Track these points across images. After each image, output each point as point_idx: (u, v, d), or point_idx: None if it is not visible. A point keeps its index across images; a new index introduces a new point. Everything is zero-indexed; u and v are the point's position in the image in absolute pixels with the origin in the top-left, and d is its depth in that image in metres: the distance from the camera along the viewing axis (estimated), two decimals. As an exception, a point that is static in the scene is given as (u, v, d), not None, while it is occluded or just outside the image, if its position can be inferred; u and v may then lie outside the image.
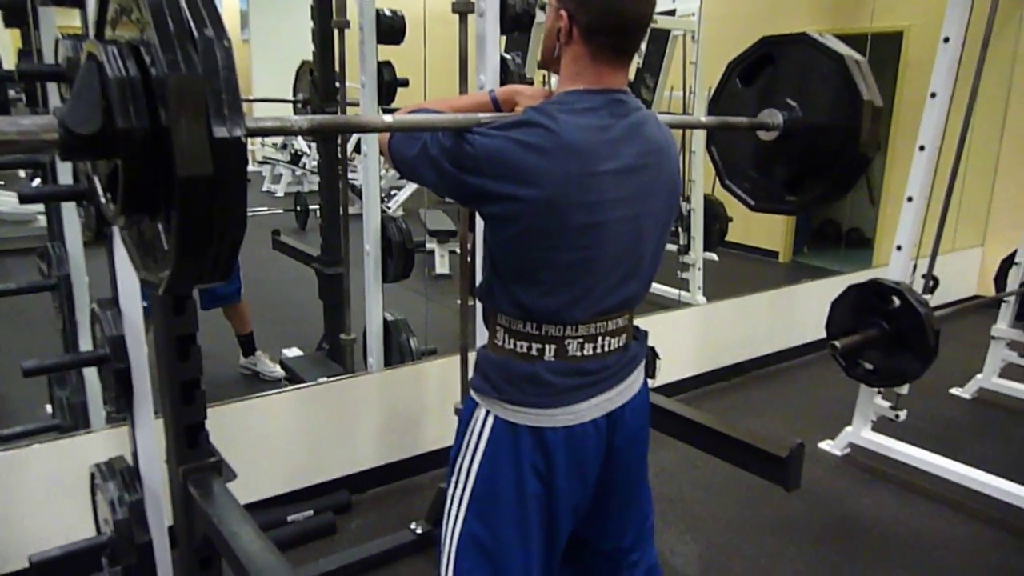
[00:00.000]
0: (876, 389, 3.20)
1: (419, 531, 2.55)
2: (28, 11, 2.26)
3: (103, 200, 0.93)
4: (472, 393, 1.42)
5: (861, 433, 3.29)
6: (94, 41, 0.85)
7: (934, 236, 3.18)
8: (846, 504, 2.99)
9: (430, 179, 1.29)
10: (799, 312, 4.42)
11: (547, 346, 1.33)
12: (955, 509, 2.91)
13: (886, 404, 3.21)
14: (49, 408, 3.03)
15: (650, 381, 1.53)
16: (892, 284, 2.82)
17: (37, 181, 2.77)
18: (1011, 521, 2.80)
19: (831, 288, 3.11)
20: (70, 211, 2.45)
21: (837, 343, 2.78)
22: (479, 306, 2.25)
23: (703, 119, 1.73)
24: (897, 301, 2.78)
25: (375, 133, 1.18)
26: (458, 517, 1.41)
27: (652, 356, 1.47)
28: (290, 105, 3.82)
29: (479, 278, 1.96)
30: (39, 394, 3.11)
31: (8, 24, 2.37)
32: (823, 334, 2.95)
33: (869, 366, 2.88)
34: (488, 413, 1.38)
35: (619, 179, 1.26)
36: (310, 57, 3.50)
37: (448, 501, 1.43)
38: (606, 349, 1.36)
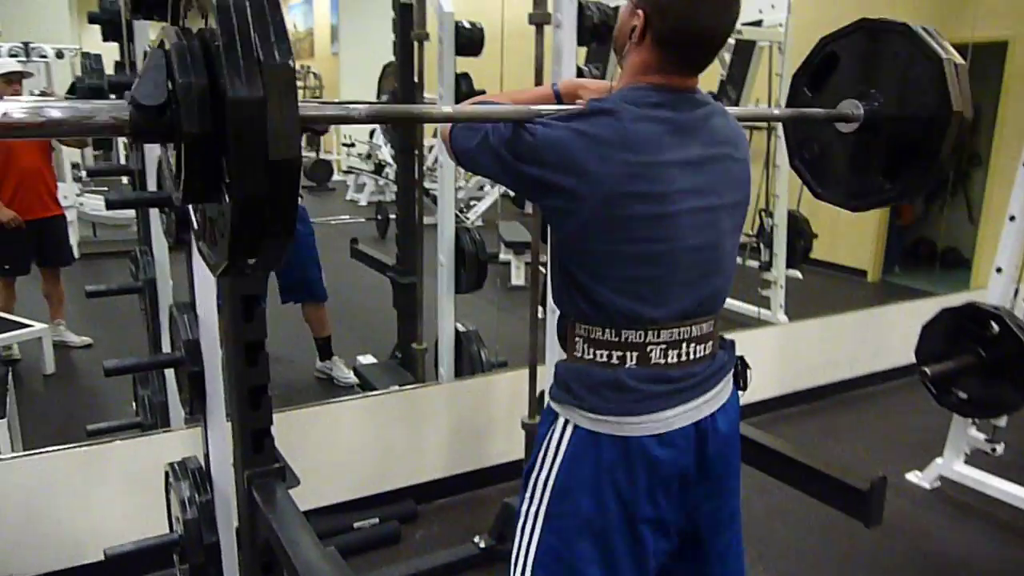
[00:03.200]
0: (970, 420, 3.01)
1: (483, 545, 2.53)
2: (123, 26, 2.36)
3: (172, 188, 0.94)
4: (550, 403, 1.35)
5: (953, 466, 3.10)
6: (168, 30, 0.88)
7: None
8: (934, 541, 2.82)
9: (490, 169, 1.27)
10: (887, 335, 4.21)
11: (628, 353, 1.26)
12: (1057, 553, 2.71)
13: (981, 436, 3.01)
14: (133, 405, 3.16)
15: (739, 394, 1.45)
16: (991, 308, 2.65)
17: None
18: (1121, 570, 2.58)
19: (924, 310, 2.95)
20: (157, 218, 2.54)
21: (928, 369, 2.62)
22: (552, 318, 2.22)
23: (776, 111, 1.65)
24: (996, 327, 2.61)
25: (435, 123, 1.16)
26: (534, 532, 1.33)
27: (742, 366, 1.38)
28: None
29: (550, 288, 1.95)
30: (126, 390, 3.24)
31: (106, 38, 2.48)
32: (912, 358, 2.80)
33: (963, 395, 2.71)
34: (567, 423, 1.30)
35: (687, 170, 1.22)
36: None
37: (522, 517, 1.36)
38: (691, 356, 1.29)
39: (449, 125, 1.32)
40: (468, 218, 6.66)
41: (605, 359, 1.27)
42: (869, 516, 1.70)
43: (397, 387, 3.00)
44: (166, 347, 2.58)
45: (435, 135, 3.56)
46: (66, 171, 5.89)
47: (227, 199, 0.85)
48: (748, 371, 1.40)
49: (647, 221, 1.20)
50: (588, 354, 1.28)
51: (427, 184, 3.99)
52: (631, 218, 1.19)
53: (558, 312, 1.35)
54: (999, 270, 2.86)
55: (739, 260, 5.13)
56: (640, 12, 1.20)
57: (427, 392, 3.00)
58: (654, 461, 1.26)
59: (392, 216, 5.84)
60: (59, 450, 2.33)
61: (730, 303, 4.75)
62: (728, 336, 1.41)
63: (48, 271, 4.23)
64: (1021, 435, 3.28)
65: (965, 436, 3.05)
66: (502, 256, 5.80)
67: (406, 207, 3.64)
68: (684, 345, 1.28)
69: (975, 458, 3.08)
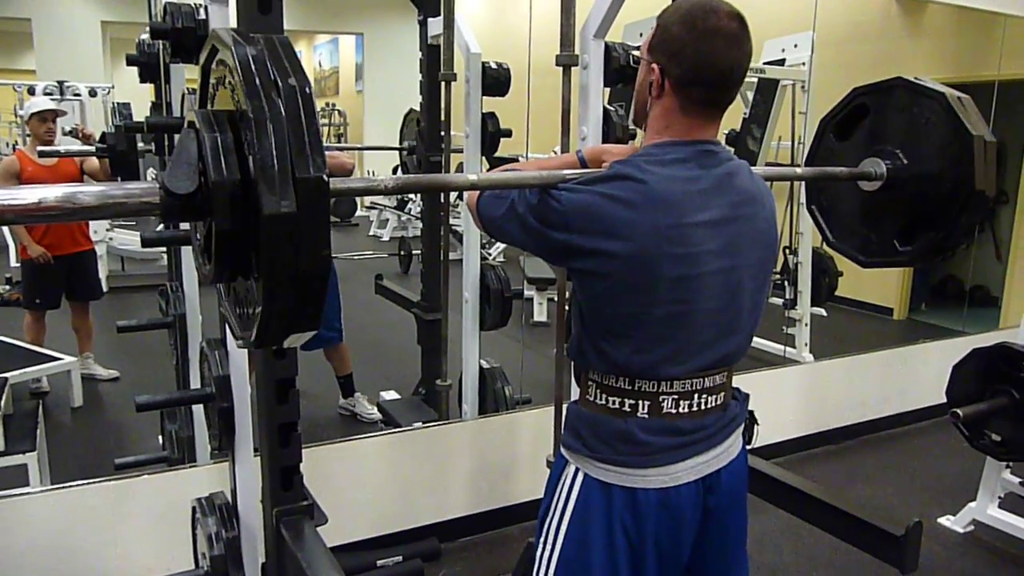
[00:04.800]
0: (1004, 463, 2.95)
1: (507, 585, 2.50)
2: (160, 68, 2.42)
3: (201, 262, 0.97)
4: (562, 450, 1.38)
5: (987, 510, 3.03)
6: (199, 114, 0.90)
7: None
8: (969, 588, 2.75)
9: (517, 237, 1.29)
10: (916, 374, 4.15)
11: (640, 402, 1.27)
12: (1097, 602, 2.62)
13: (1016, 480, 2.95)
14: (160, 439, 3.18)
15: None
16: (1022, 348, 2.61)
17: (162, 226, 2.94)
18: None
19: (952, 350, 2.91)
20: (188, 254, 2.58)
21: (959, 411, 2.58)
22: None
23: (799, 170, 1.67)
24: (1029, 368, 2.56)
25: (460, 191, 1.20)
26: None
27: (750, 420, 1.38)
28: (397, 152, 3.95)
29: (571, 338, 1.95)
30: (153, 424, 3.27)
31: (143, 80, 2.55)
32: (942, 398, 2.75)
33: (996, 437, 2.66)
34: (578, 471, 1.33)
35: (712, 230, 1.22)
36: (418, 107, 3.61)
37: (536, 562, 1.39)
38: (703, 407, 1.30)
39: (476, 193, 1.33)
40: (490, 254, 6.69)
41: (617, 406, 1.28)
42: (904, 562, 1.66)
43: (421, 424, 2.99)
44: (195, 382, 2.61)
45: (460, 198, 3.60)
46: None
47: (255, 279, 0.87)
48: (756, 427, 1.41)
49: (674, 283, 1.20)
50: (601, 399, 1.30)
51: (451, 220, 4.02)
52: (659, 280, 1.19)
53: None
54: (1031, 310, 2.82)
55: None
56: (655, 66, 1.23)
57: (451, 429, 2.99)
58: (661, 513, 1.29)
59: (415, 252, 5.90)
60: (87, 484, 2.34)
61: (755, 341, 4.71)
62: (746, 380, 1.43)
63: (77, 305, 4.29)
64: (1057, 479, 3.21)
65: (999, 479, 2.99)
66: (526, 293, 5.82)
67: (431, 243, 3.67)
68: (696, 396, 1.29)
69: (1010, 502, 3.01)
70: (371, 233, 9.05)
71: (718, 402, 1.32)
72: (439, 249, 3.53)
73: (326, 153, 2.86)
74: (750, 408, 1.44)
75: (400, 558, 2.70)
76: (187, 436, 2.69)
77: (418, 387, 3.80)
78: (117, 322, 2.69)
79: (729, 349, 1.30)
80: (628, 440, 1.27)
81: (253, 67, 0.83)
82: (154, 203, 0.85)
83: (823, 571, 2.77)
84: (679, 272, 1.20)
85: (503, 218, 1.28)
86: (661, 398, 1.27)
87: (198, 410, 2.64)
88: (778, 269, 5.79)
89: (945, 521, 3.13)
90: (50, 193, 0.83)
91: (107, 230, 6.31)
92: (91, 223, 4.77)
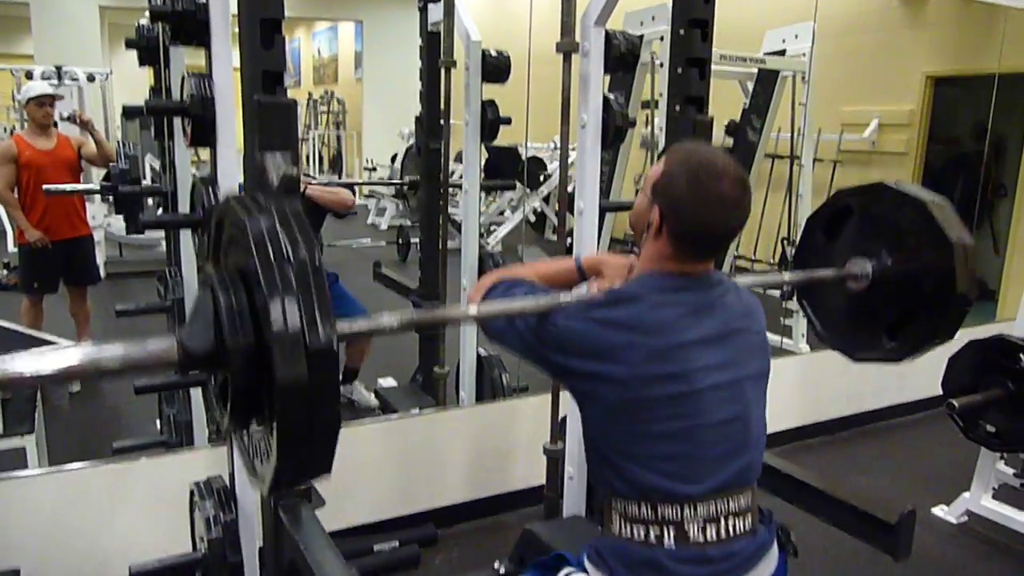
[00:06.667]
0: (999, 454, 2.96)
1: (503, 571, 2.50)
2: (160, 51, 2.42)
3: (217, 409, 1.05)
4: (585, 562, 1.34)
5: (981, 500, 3.04)
6: (209, 267, 1.00)
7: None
8: (961, 576, 2.77)
9: (519, 350, 1.34)
10: (912, 365, 4.08)
11: (665, 529, 1.25)
12: (1088, 592, 2.65)
13: (1010, 471, 2.97)
14: (158, 424, 3.19)
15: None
16: (1020, 341, 2.62)
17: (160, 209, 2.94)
18: None
19: (949, 342, 2.91)
20: (187, 239, 2.58)
21: (955, 402, 2.59)
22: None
23: (787, 276, 1.74)
24: (1024, 359, 2.57)
25: (463, 324, 1.30)
26: None
27: (785, 535, 1.40)
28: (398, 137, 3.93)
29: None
30: (151, 409, 3.27)
31: (142, 63, 2.54)
32: (938, 390, 2.76)
33: (991, 428, 2.68)
34: None
35: (708, 347, 1.27)
36: (417, 95, 3.60)
37: None
38: (732, 533, 1.28)
39: (480, 291, 1.39)
40: (488, 243, 6.69)
41: (643, 536, 1.26)
42: (897, 549, 1.67)
43: (418, 410, 3.00)
44: (193, 367, 2.61)
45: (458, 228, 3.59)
46: (94, 192, 6.00)
47: (270, 429, 0.93)
48: (791, 537, 1.41)
49: (672, 400, 1.24)
50: (626, 531, 1.28)
51: (449, 209, 4.02)
52: (656, 399, 1.23)
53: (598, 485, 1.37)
54: (1028, 302, 2.83)
55: (759, 290, 5.06)
56: (657, 208, 1.27)
57: (448, 416, 3.01)
58: None
59: (414, 240, 5.90)
60: (85, 467, 2.35)
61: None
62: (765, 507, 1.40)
63: (75, 290, 4.28)
64: (1050, 470, 3.23)
65: (993, 470, 3.00)
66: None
67: (429, 231, 3.67)
68: (723, 520, 1.27)
69: (1004, 493, 3.03)
70: (369, 221, 9.03)
71: (746, 527, 1.30)
72: (437, 237, 3.53)
73: (326, 189, 2.91)
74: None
75: (397, 543, 2.71)
76: (185, 420, 2.69)
77: (415, 374, 3.81)
78: (115, 306, 2.69)
79: (745, 463, 1.30)
80: (656, 568, 1.25)
81: (267, 240, 0.90)
82: (173, 360, 0.93)
83: (817, 560, 2.78)
84: (675, 390, 1.23)
85: (505, 331, 1.34)
86: (687, 524, 1.25)
87: (196, 395, 2.64)
88: (775, 259, 5.80)
89: (939, 511, 3.15)
90: (75, 354, 0.90)
91: (104, 215, 6.30)
92: (88, 208, 4.76)
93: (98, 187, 3.05)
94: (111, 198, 4.24)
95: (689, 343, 1.25)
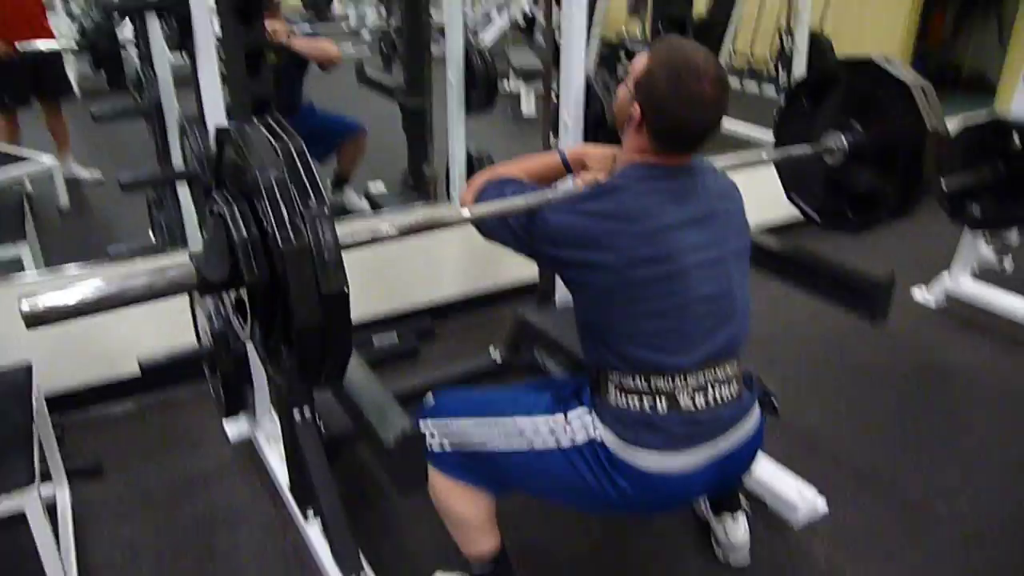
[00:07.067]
0: (981, 236, 3.01)
1: (497, 357, 2.62)
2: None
3: (234, 322, 1.16)
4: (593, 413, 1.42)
5: (960, 281, 3.14)
6: (218, 194, 1.05)
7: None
8: (935, 352, 2.91)
9: (513, 246, 1.42)
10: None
11: (658, 399, 1.35)
12: (1054, 362, 2.79)
13: (991, 252, 3.03)
14: (151, 233, 3.20)
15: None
16: (1016, 121, 2.58)
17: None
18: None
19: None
20: (158, 36, 2.44)
21: (944, 183, 2.59)
22: (564, 142, 2.18)
23: (765, 155, 1.81)
24: (1018, 140, 2.55)
25: (456, 224, 1.38)
26: (501, 451, 1.44)
27: (767, 397, 1.52)
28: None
29: (562, 130, 2.06)
30: (141, 221, 3.27)
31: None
32: (930, 176, 2.76)
33: (977, 209, 2.70)
34: (597, 430, 1.38)
35: (690, 229, 1.34)
36: None
37: (502, 437, 1.44)
38: (718, 400, 1.37)
39: (472, 192, 1.48)
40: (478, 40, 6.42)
41: (638, 406, 1.35)
42: (875, 312, 1.74)
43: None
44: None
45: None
46: (56, 2, 5.66)
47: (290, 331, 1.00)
48: (775, 400, 1.55)
49: (659, 280, 1.31)
50: (622, 401, 1.37)
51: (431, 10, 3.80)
52: (644, 280, 1.31)
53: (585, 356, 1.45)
54: (1027, 81, 2.76)
55: (756, 88, 4.96)
56: (636, 105, 1.33)
57: (441, 212, 3.00)
58: (668, 491, 1.39)
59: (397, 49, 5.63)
60: (84, 268, 2.38)
61: (745, 128, 4.66)
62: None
63: (49, 104, 4.16)
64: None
65: (975, 252, 3.07)
66: (512, 87, 5.65)
67: (413, 29, 3.49)
68: (711, 388, 1.37)
69: (983, 275, 3.11)
70: (351, 28, 8.58)
71: (732, 394, 1.40)
72: (421, 34, 3.37)
73: (311, 42, 2.73)
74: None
75: (395, 337, 2.81)
76: (177, 223, 2.69)
77: (406, 177, 3.77)
78: (91, 109, 2.61)
79: (730, 334, 1.39)
80: (650, 427, 1.35)
81: (278, 194, 0.96)
82: (193, 284, 1.03)
83: (800, 338, 2.92)
84: (663, 270, 1.31)
85: (498, 227, 1.41)
86: (678, 394, 1.34)
87: (186, 199, 2.62)
88: (773, 55, 5.61)
89: (918, 293, 3.26)
90: (103, 287, 0.98)
91: (69, 26, 5.96)
92: (50, 17, 4.50)
93: (75, 44, 2.93)
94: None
95: (672, 226, 1.32)
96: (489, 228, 1.43)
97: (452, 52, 2.93)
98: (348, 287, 0.98)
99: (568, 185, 1.44)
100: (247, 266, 0.99)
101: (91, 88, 5.80)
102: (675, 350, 1.33)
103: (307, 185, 0.98)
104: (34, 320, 0.93)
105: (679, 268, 1.31)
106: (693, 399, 1.35)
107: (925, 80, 1.73)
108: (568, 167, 1.59)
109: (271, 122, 1.06)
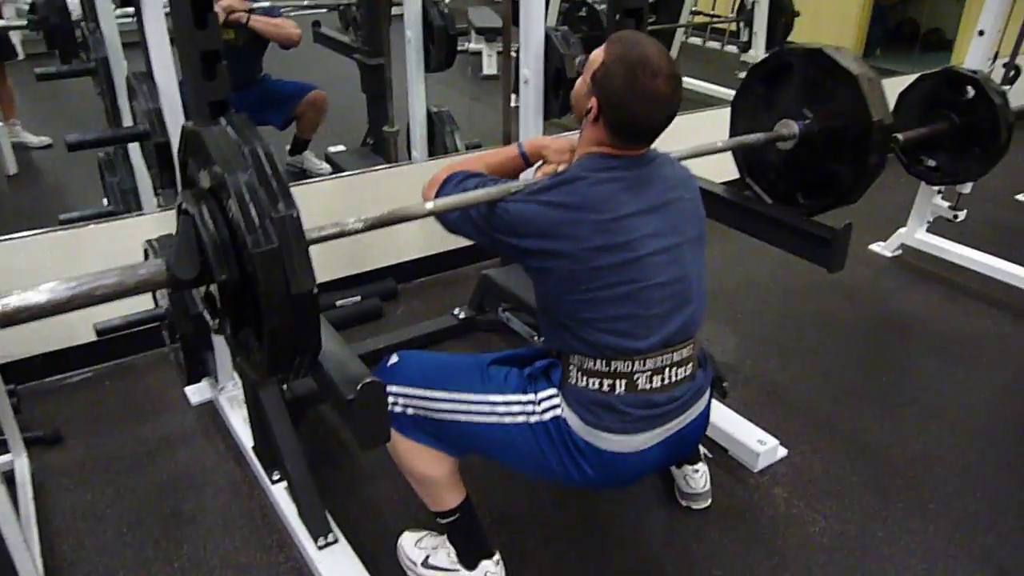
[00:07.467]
0: (936, 188, 3.07)
1: (462, 316, 2.62)
2: None
3: (204, 313, 1.18)
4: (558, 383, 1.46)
5: (915, 234, 3.20)
6: (187, 194, 1.07)
7: (1021, 26, 2.90)
8: (891, 303, 2.97)
9: (475, 237, 1.46)
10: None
11: (617, 381, 1.39)
12: (1004, 309, 2.87)
13: (945, 204, 3.09)
14: (104, 200, 3.12)
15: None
16: (968, 72, 2.61)
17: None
18: (1062, 321, 2.76)
19: (900, 86, 2.89)
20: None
21: (900, 135, 2.62)
22: (524, 98, 2.16)
23: (719, 143, 1.85)
24: (971, 91, 2.58)
25: (421, 218, 1.42)
26: (468, 423, 1.47)
27: (719, 380, 1.62)
28: None
29: (523, 86, 2.12)
30: (94, 186, 3.18)
31: None
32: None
33: (932, 162, 2.74)
34: (563, 411, 1.42)
35: (646, 217, 1.37)
36: None
37: (470, 413, 1.47)
38: (673, 379, 1.43)
39: (433, 187, 1.51)
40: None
41: (597, 387, 1.40)
42: (832, 260, 1.76)
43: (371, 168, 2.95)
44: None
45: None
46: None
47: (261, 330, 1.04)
48: (725, 383, 1.74)
49: (617, 268, 1.35)
50: (582, 382, 1.41)
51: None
52: (603, 267, 1.34)
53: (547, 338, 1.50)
54: (981, 33, 2.79)
55: (718, 45, 4.95)
56: (594, 99, 1.36)
57: (402, 171, 2.97)
58: (624, 468, 1.45)
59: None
60: (33, 234, 2.31)
61: (708, 87, 4.66)
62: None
63: (-9, 67, 4.01)
64: (982, 205, 3.37)
65: (929, 205, 3.13)
66: (473, 46, 5.57)
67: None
68: (667, 370, 1.42)
69: (937, 227, 3.18)
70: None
71: (687, 373, 1.45)
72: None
73: (270, 21, 2.67)
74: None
75: (359, 298, 2.79)
76: (131, 187, 2.63)
77: (366, 138, 3.72)
78: (35, 69, 2.52)
79: (687, 318, 1.43)
80: (609, 408, 1.40)
81: (248, 197, 0.99)
82: (163, 281, 1.05)
83: (761, 293, 2.96)
84: (620, 258, 1.34)
85: (460, 220, 1.45)
86: (636, 376, 1.39)
87: (138, 160, 2.56)
88: (734, 11, 5.59)
89: (876, 247, 3.32)
90: (63, 287, 1.00)
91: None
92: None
93: (26, 23, 2.82)
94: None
95: (630, 215, 1.35)
96: (451, 221, 1.48)
97: (410, 8, 2.88)
98: (316, 287, 1.02)
99: (528, 177, 1.48)
100: (218, 265, 1.03)
101: (37, 52, 5.63)
102: (634, 334, 1.37)
103: (275, 188, 1.00)
104: (5, 320, 0.94)
105: (637, 255, 1.35)
106: (651, 381, 1.40)
107: (873, 71, 1.80)
108: (527, 160, 1.64)
109: (236, 122, 1.09)
